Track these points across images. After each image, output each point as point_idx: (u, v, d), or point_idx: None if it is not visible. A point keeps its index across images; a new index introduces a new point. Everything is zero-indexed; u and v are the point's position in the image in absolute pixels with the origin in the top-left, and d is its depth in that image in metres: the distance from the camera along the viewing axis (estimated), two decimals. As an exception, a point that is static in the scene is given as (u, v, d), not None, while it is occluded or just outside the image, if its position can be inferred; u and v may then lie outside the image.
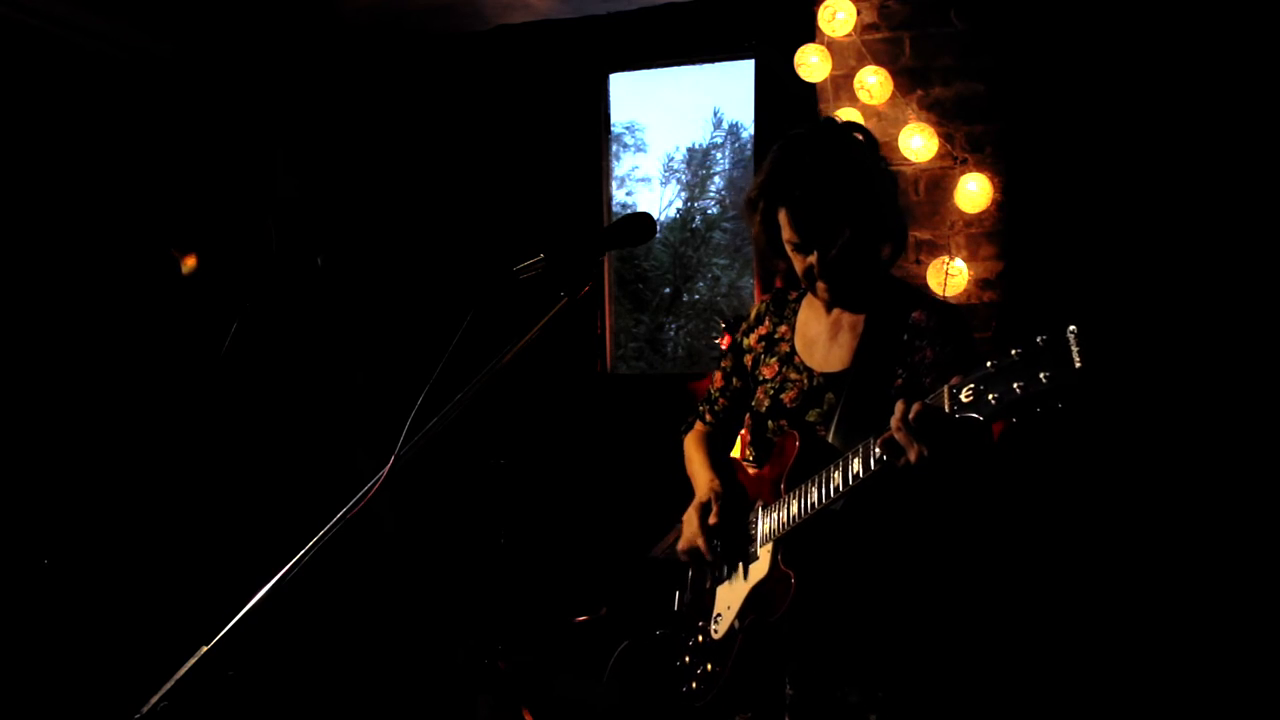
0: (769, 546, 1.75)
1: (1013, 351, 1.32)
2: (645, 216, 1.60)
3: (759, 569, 1.76)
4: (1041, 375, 1.28)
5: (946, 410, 1.41)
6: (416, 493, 3.97)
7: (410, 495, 3.94)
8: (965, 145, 3.49)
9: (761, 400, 1.93)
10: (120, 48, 3.98)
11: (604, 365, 4.42)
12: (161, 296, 3.92)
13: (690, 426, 2.18)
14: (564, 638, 3.55)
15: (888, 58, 3.56)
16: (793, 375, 1.89)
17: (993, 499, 3.03)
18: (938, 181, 3.52)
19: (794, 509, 1.70)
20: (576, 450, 4.21)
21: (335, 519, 1.36)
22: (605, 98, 4.46)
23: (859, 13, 3.52)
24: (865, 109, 3.54)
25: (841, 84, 3.61)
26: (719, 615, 1.85)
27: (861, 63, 3.54)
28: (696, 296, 13.10)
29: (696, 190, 13.68)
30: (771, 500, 1.79)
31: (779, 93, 3.89)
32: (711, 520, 1.88)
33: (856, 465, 1.58)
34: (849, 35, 3.55)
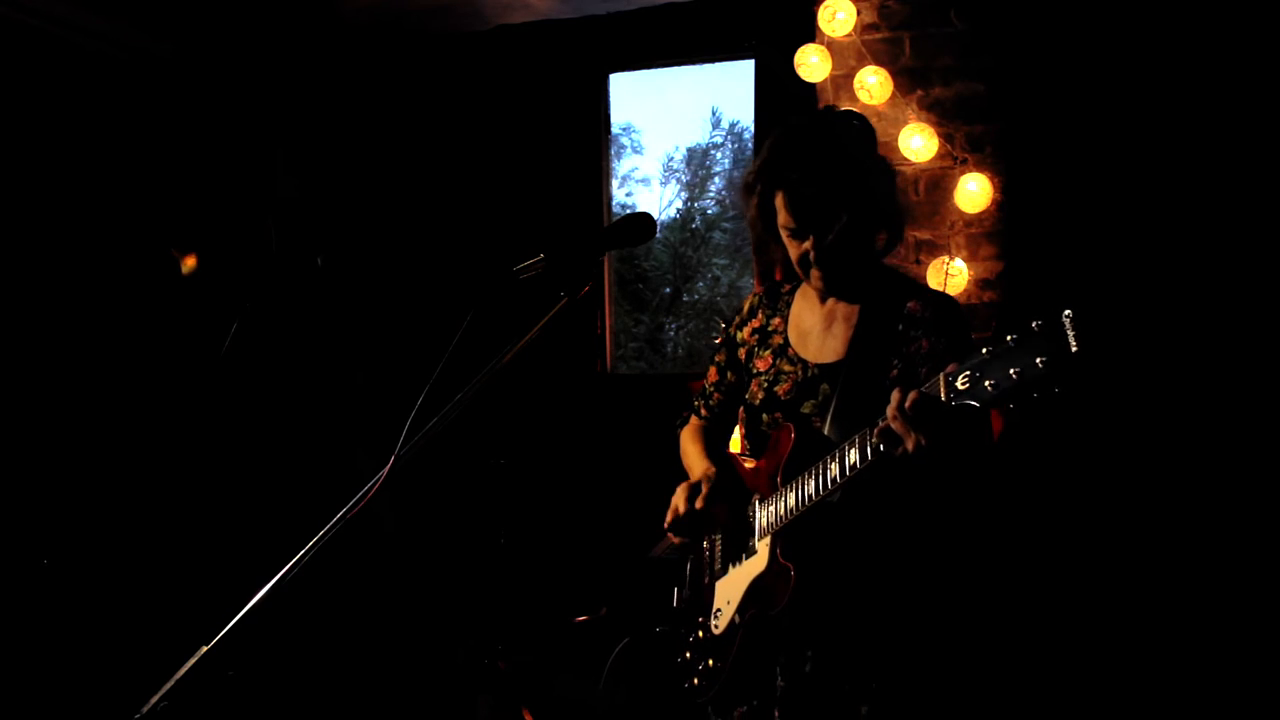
0: (767, 540, 1.75)
1: (1008, 338, 1.31)
2: (645, 216, 1.60)
3: (758, 562, 1.76)
4: (1038, 360, 1.27)
5: (943, 398, 1.40)
6: (416, 493, 3.97)
7: (410, 495, 3.94)
8: (965, 145, 3.49)
9: (756, 393, 1.92)
10: (120, 48, 3.98)
11: (604, 365, 4.42)
12: (162, 296, 3.92)
13: (685, 421, 2.18)
14: (564, 638, 3.55)
15: (888, 58, 3.56)
16: (787, 367, 1.88)
17: (991, 489, 3.03)
18: (938, 181, 3.52)
19: (791, 501, 1.70)
20: (576, 450, 4.21)
21: (335, 519, 1.36)
22: (605, 98, 4.46)
23: (859, 13, 3.53)
24: (865, 109, 3.53)
25: (841, 84, 3.62)
26: (719, 610, 1.84)
27: (861, 63, 3.54)
28: (696, 296, 13.07)
29: (696, 190, 13.66)
30: (768, 493, 1.78)
31: (779, 93, 3.89)
32: (699, 504, 1.88)
33: (853, 456, 1.57)
34: (849, 35, 3.56)
